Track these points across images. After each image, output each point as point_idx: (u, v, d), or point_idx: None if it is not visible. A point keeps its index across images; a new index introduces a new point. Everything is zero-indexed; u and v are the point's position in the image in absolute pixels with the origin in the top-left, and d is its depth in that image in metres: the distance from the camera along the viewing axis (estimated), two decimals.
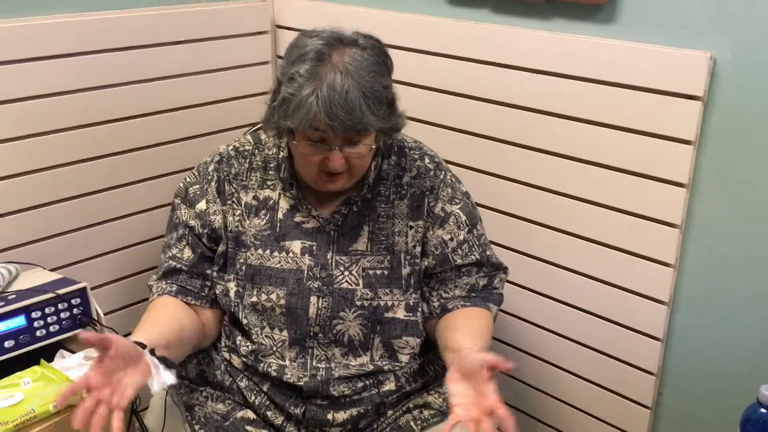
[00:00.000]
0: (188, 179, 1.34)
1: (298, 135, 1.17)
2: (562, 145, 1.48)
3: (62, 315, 1.32)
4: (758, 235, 1.29)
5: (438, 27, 1.61)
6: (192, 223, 1.30)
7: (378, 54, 1.17)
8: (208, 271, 1.31)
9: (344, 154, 1.16)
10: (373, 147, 1.21)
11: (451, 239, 1.30)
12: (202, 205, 1.30)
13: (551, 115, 1.47)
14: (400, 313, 1.28)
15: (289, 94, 1.13)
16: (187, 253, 1.30)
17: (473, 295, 1.31)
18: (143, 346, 1.09)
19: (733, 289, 1.34)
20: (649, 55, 1.32)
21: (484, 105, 1.58)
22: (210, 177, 1.32)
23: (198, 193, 1.31)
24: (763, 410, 1.04)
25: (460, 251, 1.30)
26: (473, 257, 1.31)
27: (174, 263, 1.30)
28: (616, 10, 1.36)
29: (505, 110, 1.54)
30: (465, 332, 1.21)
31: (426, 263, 1.30)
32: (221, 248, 1.30)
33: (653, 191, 1.37)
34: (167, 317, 1.24)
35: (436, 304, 1.31)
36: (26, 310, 1.28)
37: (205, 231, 1.30)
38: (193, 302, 1.30)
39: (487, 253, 1.34)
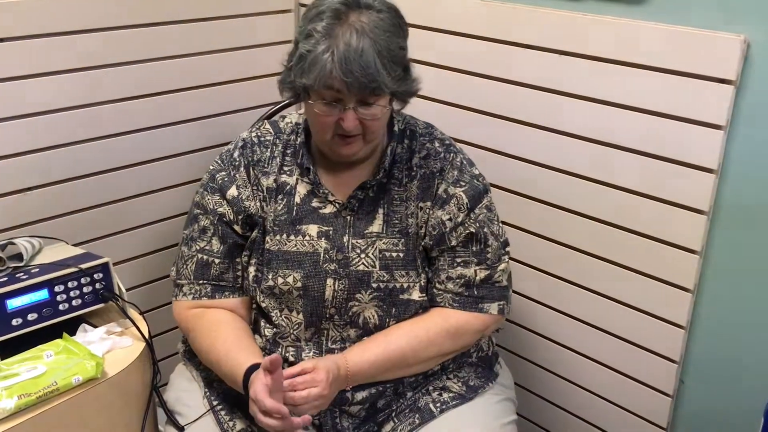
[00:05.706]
0: (213, 168, 1.33)
1: (313, 94, 1.17)
2: (587, 129, 1.46)
3: (85, 289, 1.32)
4: None
5: (466, 7, 1.58)
6: (222, 210, 1.29)
7: (394, 16, 1.18)
8: (238, 259, 1.30)
9: (358, 115, 1.16)
10: (387, 108, 1.20)
11: (450, 219, 1.27)
12: (233, 191, 1.29)
13: (577, 98, 1.45)
14: (415, 295, 1.27)
15: (305, 51, 1.14)
16: (216, 244, 1.29)
17: (466, 294, 1.28)
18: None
19: (754, 304, 1.33)
20: (681, 37, 1.29)
21: (509, 87, 1.55)
22: (237, 162, 1.31)
23: (226, 179, 1.30)
24: None
25: (455, 233, 1.28)
26: (469, 231, 1.27)
27: (204, 256, 1.29)
28: None
29: (530, 92, 1.52)
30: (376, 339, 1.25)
31: (424, 243, 1.28)
32: (254, 234, 1.29)
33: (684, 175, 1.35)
34: (248, 340, 1.27)
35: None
36: (49, 284, 1.28)
37: (240, 217, 1.28)
38: (230, 296, 1.30)
39: (485, 230, 1.29)
